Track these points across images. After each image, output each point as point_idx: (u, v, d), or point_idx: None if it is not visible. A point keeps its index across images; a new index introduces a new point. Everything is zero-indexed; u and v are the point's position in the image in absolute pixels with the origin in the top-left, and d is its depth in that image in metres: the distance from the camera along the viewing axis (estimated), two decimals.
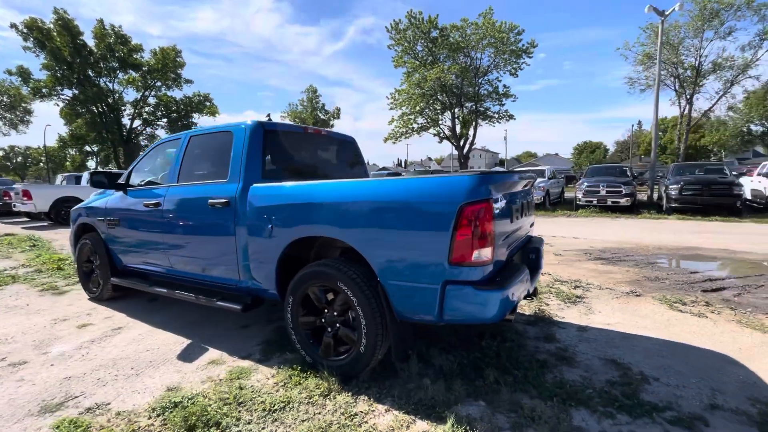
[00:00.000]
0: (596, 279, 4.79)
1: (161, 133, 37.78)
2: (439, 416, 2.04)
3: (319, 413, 2.10)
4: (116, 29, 31.18)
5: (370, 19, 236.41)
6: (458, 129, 23.98)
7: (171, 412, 2.10)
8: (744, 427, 1.95)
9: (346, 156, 3.94)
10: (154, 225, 3.38)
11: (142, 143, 38.43)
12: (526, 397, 2.20)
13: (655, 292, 4.23)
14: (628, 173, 13.94)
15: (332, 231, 2.33)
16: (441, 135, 24.97)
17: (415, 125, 24.26)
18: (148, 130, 36.83)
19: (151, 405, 2.21)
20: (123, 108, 34.55)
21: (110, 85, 33.08)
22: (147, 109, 35.60)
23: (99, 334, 3.30)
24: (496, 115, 24.41)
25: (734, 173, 13.03)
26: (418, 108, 23.07)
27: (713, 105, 23.74)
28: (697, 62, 21.67)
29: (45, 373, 2.65)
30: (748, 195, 12.40)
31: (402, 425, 1.98)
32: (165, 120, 36.17)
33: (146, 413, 2.15)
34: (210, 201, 2.92)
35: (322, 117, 34.49)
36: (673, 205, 11.49)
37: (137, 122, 35.63)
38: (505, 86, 23.24)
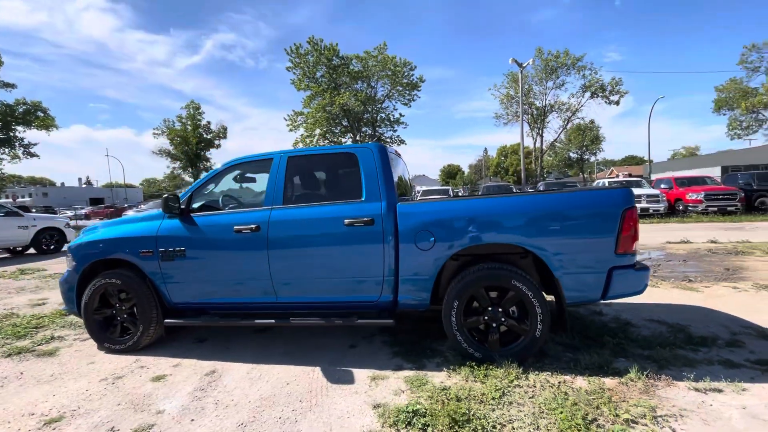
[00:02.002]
0: None
1: None
2: (613, 372, 2.66)
3: (532, 389, 2.48)
4: None
5: (230, 35, 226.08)
6: None
7: (421, 418, 2.19)
8: (758, 340, 3.14)
9: (403, 174, 4.30)
10: (254, 251, 3.12)
11: None
12: (642, 350, 3.00)
13: None
14: (514, 190, 17.17)
15: (511, 238, 2.76)
16: None
17: None
18: None
19: (385, 422, 2.22)
20: None
21: None
22: None
23: (197, 382, 2.85)
24: (390, 140, 26.63)
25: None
26: (319, 130, 23.47)
27: (556, 138, 31.54)
28: (543, 104, 28.37)
29: (201, 430, 2.28)
30: None
31: (597, 383, 2.52)
32: None
33: (389, 429, 2.17)
34: (347, 220, 2.96)
35: (207, 136, 31.44)
36: None
37: None
38: (401, 114, 25.69)
